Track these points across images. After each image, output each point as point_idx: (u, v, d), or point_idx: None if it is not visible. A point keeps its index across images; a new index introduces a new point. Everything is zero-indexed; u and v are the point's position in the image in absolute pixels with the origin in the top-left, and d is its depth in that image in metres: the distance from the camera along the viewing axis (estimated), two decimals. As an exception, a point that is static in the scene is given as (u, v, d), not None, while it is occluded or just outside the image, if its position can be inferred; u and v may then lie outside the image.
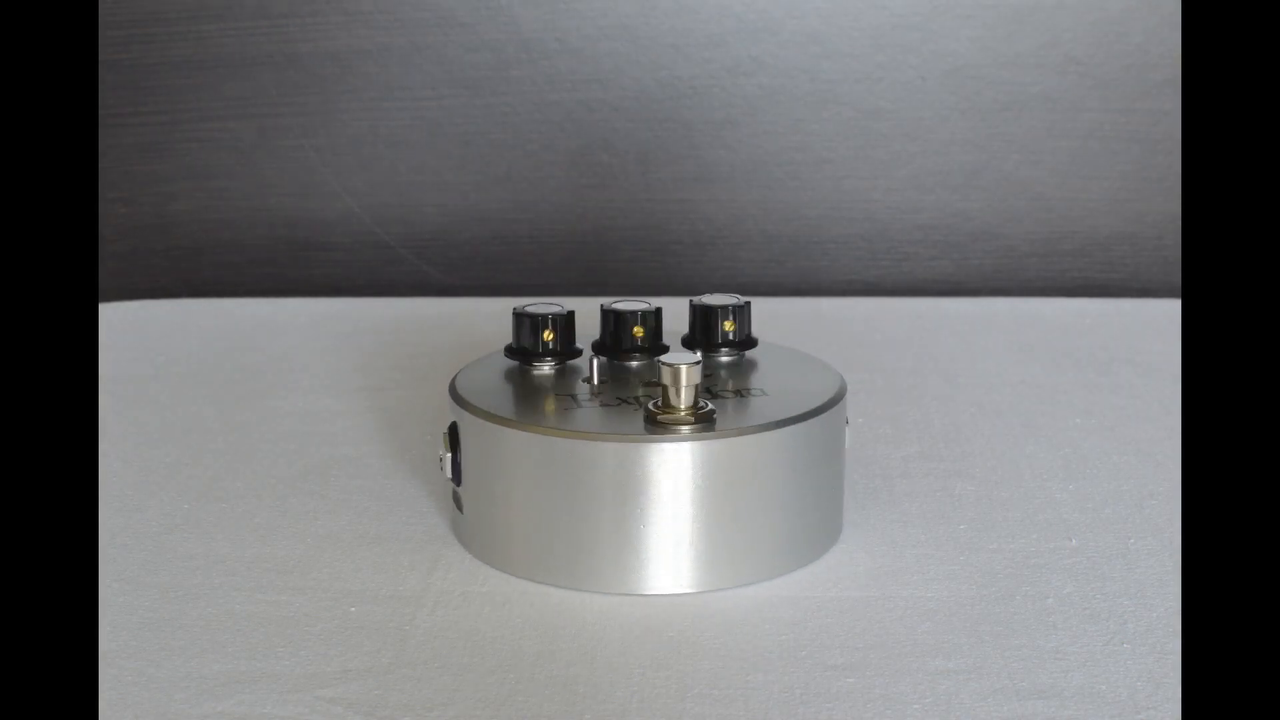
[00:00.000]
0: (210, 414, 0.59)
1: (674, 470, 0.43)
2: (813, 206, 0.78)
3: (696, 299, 0.50)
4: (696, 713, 0.38)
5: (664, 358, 0.44)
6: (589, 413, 0.44)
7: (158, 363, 0.67)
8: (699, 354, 0.46)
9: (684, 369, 0.43)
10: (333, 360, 0.66)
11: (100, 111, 0.76)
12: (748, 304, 0.50)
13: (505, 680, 0.39)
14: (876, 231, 0.78)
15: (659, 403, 0.44)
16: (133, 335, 0.70)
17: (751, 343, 0.50)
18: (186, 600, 0.44)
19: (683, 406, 0.43)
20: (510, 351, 0.49)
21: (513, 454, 0.44)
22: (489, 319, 0.72)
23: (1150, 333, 0.69)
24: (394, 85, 0.77)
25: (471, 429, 0.45)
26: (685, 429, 0.43)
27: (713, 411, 0.44)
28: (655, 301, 0.50)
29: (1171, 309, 0.73)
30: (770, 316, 0.71)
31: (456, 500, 0.47)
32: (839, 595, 0.44)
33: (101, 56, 0.76)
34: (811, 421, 0.44)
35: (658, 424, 0.43)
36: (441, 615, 0.43)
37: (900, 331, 0.70)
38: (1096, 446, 0.55)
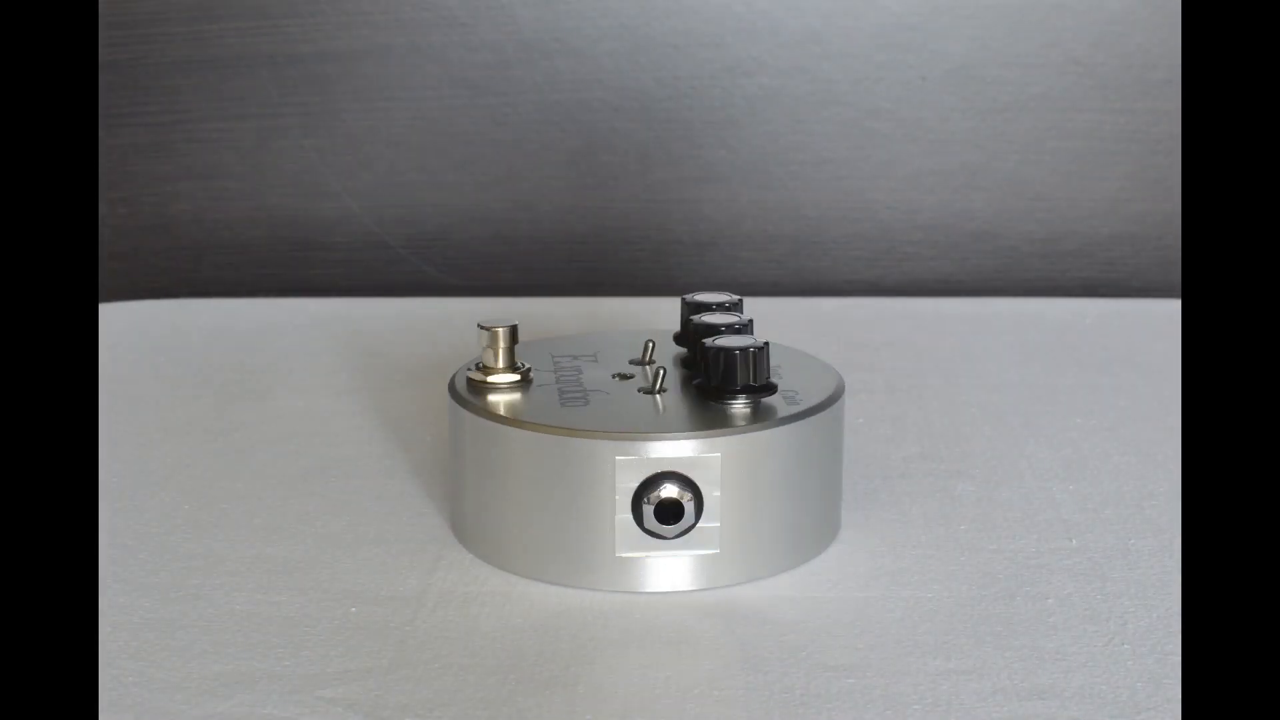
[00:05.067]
0: (210, 414, 0.59)
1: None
2: (813, 206, 0.78)
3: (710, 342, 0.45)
4: (696, 713, 0.38)
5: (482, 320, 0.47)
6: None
7: (158, 363, 0.67)
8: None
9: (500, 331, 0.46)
10: (333, 360, 0.66)
11: (100, 111, 0.76)
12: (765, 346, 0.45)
13: (505, 680, 0.39)
14: (876, 231, 0.78)
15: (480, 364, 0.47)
16: (133, 335, 0.70)
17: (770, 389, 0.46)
18: (186, 600, 0.44)
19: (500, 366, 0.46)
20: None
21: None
22: (489, 319, 0.72)
23: (1150, 333, 0.69)
24: (394, 85, 0.77)
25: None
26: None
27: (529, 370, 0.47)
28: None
29: (1171, 309, 0.73)
30: (770, 316, 0.71)
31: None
32: (839, 595, 0.44)
33: (101, 56, 0.76)
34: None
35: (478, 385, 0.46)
36: (441, 615, 0.43)
37: (900, 331, 0.70)
38: (1096, 446, 0.55)
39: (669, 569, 0.43)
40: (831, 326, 0.71)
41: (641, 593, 0.43)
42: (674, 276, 0.79)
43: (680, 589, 0.44)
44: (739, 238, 0.79)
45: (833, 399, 0.46)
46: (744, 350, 0.44)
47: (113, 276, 0.78)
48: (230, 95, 0.77)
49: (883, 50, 0.76)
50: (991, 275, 0.79)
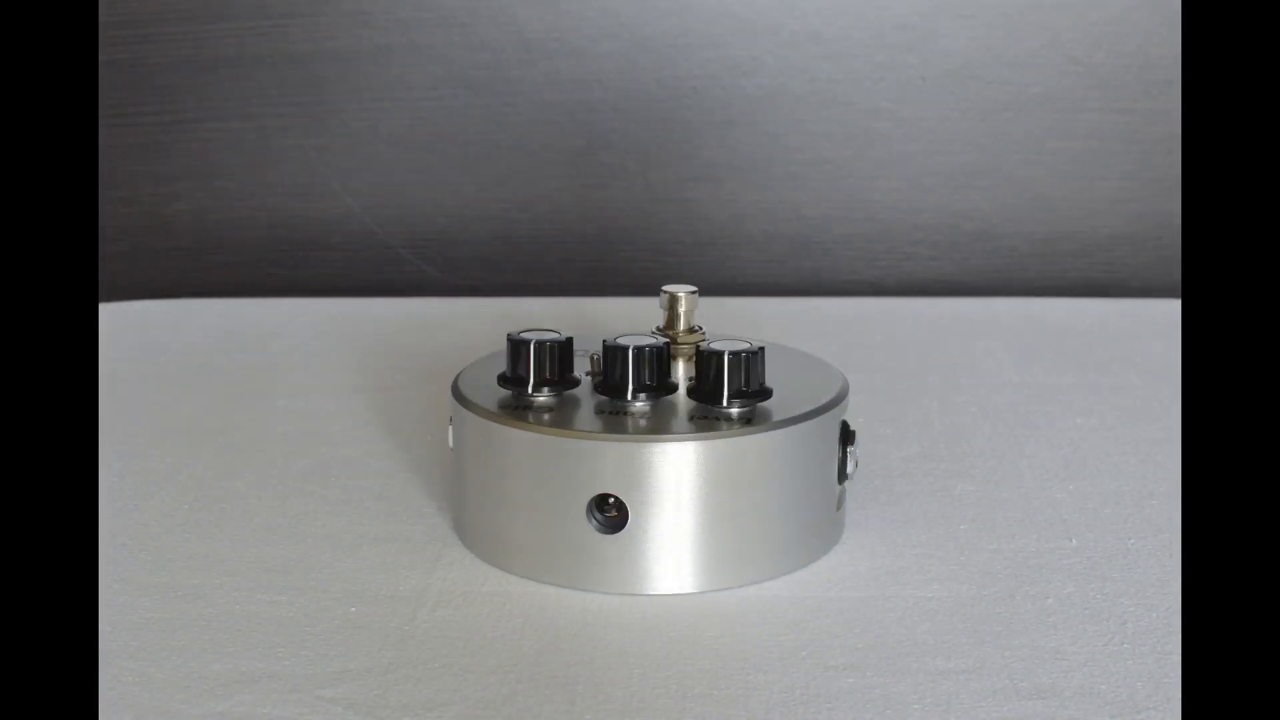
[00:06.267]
0: (210, 414, 0.59)
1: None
2: (813, 206, 0.78)
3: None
4: (696, 713, 0.38)
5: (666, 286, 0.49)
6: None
7: (158, 363, 0.67)
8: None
9: (682, 296, 0.49)
10: (333, 360, 0.66)
11: (100, 111, 0.76)
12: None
13: (505, 680, 0.39)
14: (876, 231, 0.78)
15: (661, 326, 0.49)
16: (133, 335, 0.70)
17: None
18: (186, 600, 0.44)
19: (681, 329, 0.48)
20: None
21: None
22: (489, 319, 0.72)
23: (1150, 333, 0.69)
24: (394, 85, 0.77)
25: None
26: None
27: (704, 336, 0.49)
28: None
29: (1171, 309, 0.73)
30: (770, 316, 0.71)
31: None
32: (839, 595, 0.44)
33: (101, 56, 0.76)
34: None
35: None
36: (441, 615, 0.43)
37: (900, 331, 0.70)
38: (1096, 446, 0.55)
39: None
40: (831, 326, 0.71)
41: (642, 594, 0.43)
42: (674, 276, 0.79)
43: (682, 591, 0.44)
44: (739, 238, 0.79)
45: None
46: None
47: (113, 276, 0.79)
48: (230, 95, 0.77)
49: (883, 50, 0.76)
50: (991, 275, 0.79)
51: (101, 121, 0.77)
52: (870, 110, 0.77)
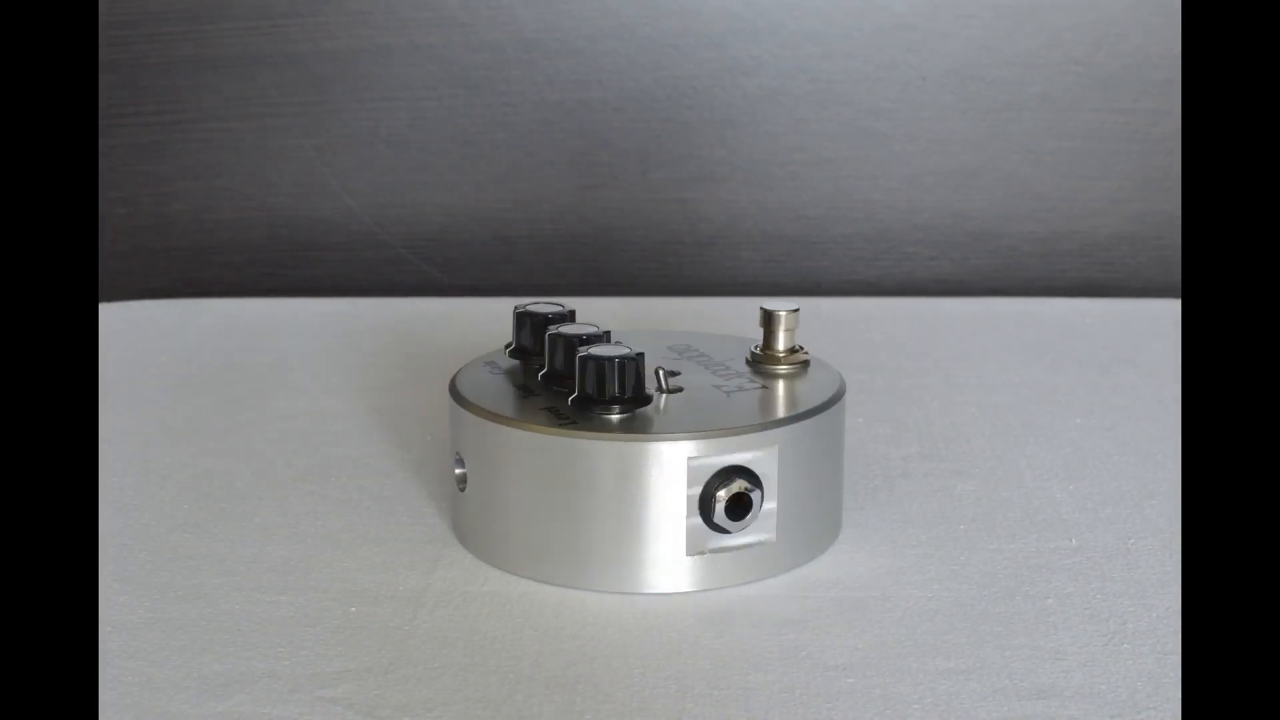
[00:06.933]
0: (210, 414, 0.59)
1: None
2: (813, 206, 0.78)
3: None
4: (696, 713, 0.38)
5: (764, 303, 0.48)
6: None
7: (158, 363, 0.67)
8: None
9: (782, 314, 0.48)
10: (333, 360, 0.66)
11: (100, 111, 0.76)
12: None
13: (505, 680, 0.39)
14: (876, 231, 0.78)
15: (759, 347, 0.48)
16: (133, 335, 0.70)
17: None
18: (186, 600, 0.44)
19: (781, 350, 0.48)
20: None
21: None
22: (489, 319, 0.72)
23: (1150, 333, 0.69)
24: (394, 85, 0.77)
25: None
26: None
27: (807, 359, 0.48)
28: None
29: (1171, 309, 0.73)
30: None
31: None
32: (839, 595, 0.44)
33: (101, 56, 0.76)
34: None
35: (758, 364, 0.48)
36: (441, 615, 0.43)
37: (900, 331, 0.70)
38: (1096, 446, 0.55)
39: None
40: (831, 326, 0.71)
41: (642, 593, 0.43)
42: (674, 276, 0.79)
43: (680, 590, 0.44)
44: (739, 238, 0.79)
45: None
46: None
47: (113, 276, 0.79)
48: (230, 95, 0.77)
49: (883, 50, 0.76)
50: (991, 275, 0.79)
51: (101, 121, 0.77)
52: (870, 110, 0.77)
